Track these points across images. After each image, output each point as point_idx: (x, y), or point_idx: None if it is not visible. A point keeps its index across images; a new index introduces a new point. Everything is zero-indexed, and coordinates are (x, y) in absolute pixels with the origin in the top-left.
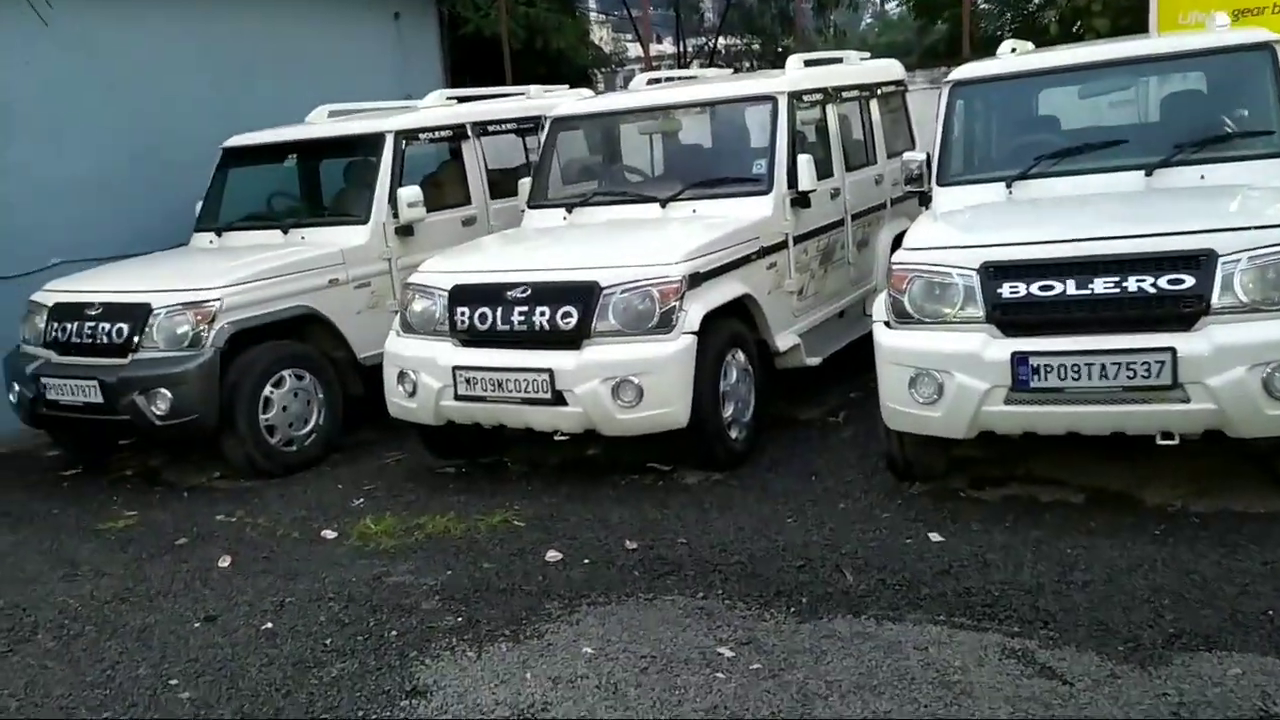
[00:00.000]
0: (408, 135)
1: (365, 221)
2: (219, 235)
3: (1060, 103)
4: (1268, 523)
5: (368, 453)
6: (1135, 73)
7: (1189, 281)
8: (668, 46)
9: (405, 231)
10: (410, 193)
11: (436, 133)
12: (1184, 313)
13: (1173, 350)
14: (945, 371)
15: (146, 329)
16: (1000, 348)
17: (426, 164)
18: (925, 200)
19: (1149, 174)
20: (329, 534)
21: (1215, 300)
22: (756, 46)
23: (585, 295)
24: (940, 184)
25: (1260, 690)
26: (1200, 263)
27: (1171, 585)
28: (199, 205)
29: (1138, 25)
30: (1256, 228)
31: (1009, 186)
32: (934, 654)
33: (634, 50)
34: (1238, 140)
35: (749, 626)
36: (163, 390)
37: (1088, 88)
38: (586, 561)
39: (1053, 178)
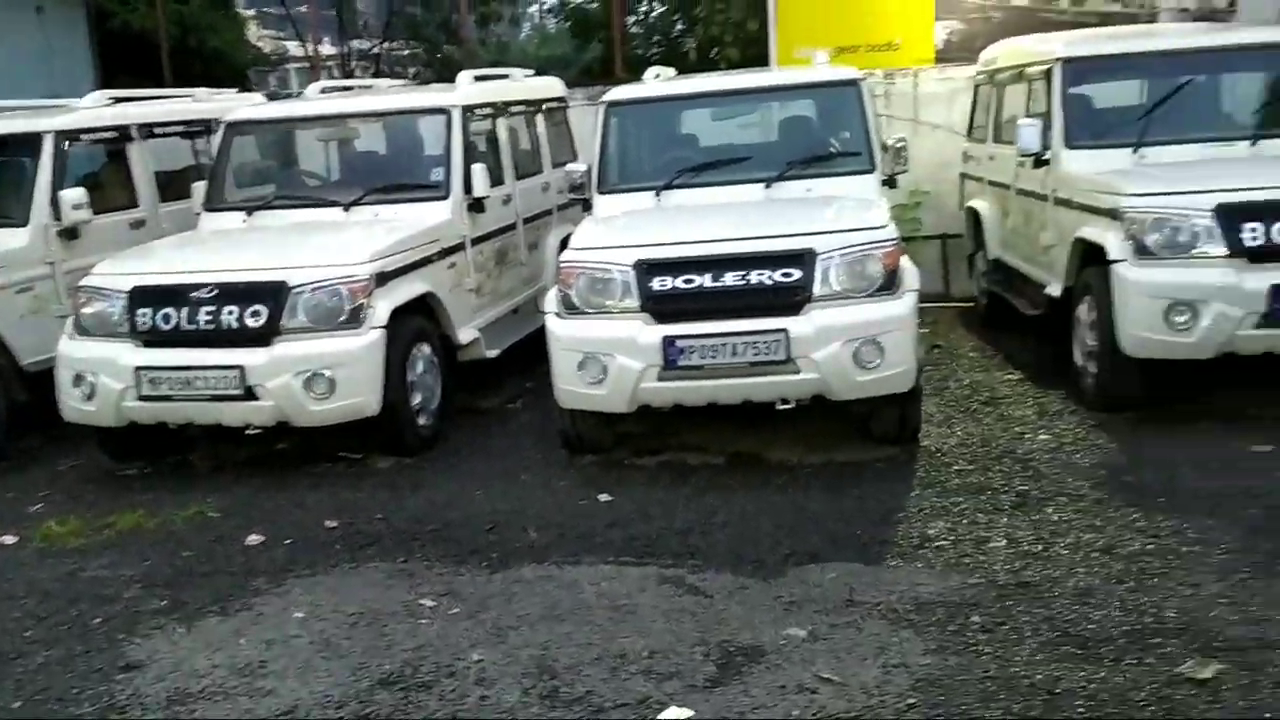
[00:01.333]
0: (69, 136)
1: (24, 224)
2: None
3: (699, 123)
4: (861, 469)
5: (38, 461)
6: (756, 100)
7: (797, 275)
8: (328, 48)
9: (69, 234)
10: (74, 195)
11: (100, 134)
12: (794, 300)
13: (785, 331)
14: (608, 355)
15: None
16: (653, 333)
17: (90, 165)
18: (587, 206)
19: (768, 186)
20: (8, 539)
21: (817, 290)
22: (421, 53)
23: (274, 293)
24: (600, 192)
25: (848, 586)
26: (804, 259)
27: (789, 520)
28: None
29: (763, 55)
30: (846, 230)
31: (658, 195)
32: (606, 587)
33: (294, 49)
34: (836, 159)
35: (447, 581)
36: None
37: (719, 112)
38: (288, 541)
39: (693, 188)
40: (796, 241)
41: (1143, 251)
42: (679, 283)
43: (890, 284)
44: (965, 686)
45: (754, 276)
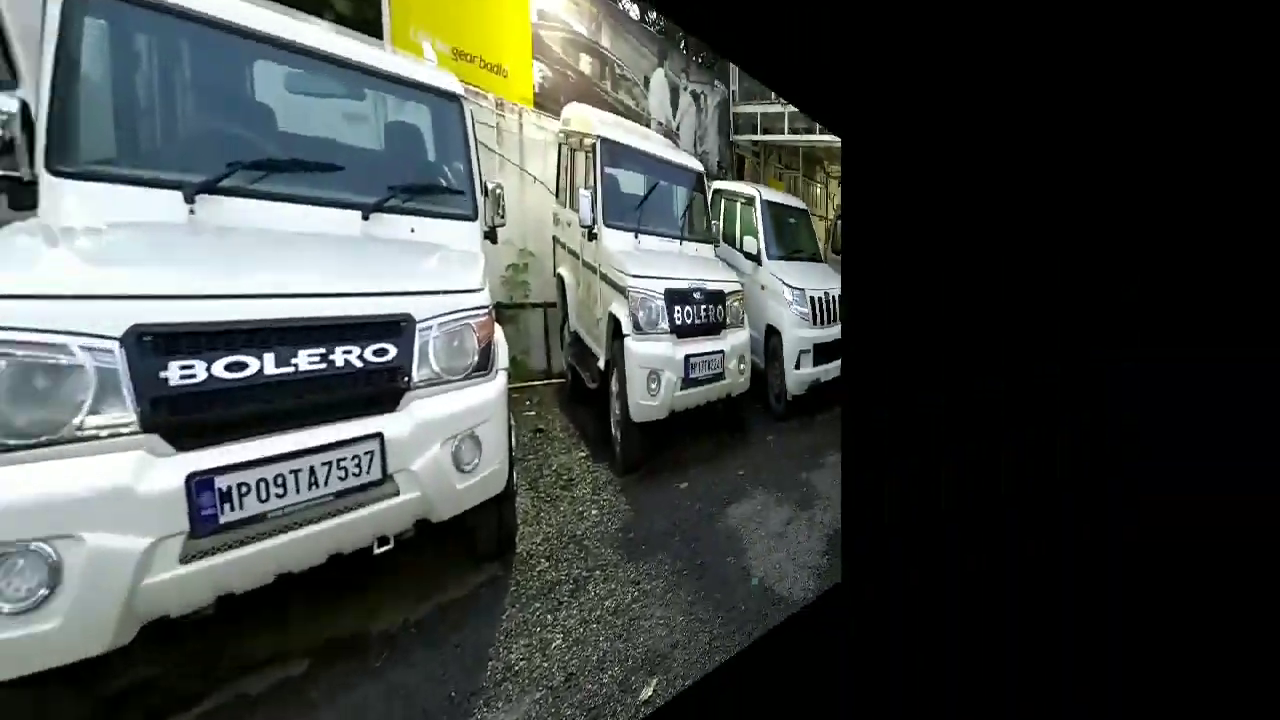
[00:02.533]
0: None
1: None
2: None
3: (268, 85)
4: (468, 602)
5: None
6: (294, 62)
7: (393, 352)
8: None
9: None
10: None
11: None
12: (391, 389)
13: (380, 435)
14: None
15: None
16: (166, 475)
17: None
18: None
19: (366, 217)
20: None
21: (415, 373)
22: None
23: None
24: (49, 171)
25: None
26: (402, 329)
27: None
28: None
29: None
30: (446, 292)
31: (190, 204)
32: None
33: None
34: (441, 195)
35: None
36: None
37: (297, 77)
38: None
39: (249, 199)
40: (393, 303)
41: (638, 328)
42: (217, 371)
43: (485, 362)
44: None
45: (339, 356)
